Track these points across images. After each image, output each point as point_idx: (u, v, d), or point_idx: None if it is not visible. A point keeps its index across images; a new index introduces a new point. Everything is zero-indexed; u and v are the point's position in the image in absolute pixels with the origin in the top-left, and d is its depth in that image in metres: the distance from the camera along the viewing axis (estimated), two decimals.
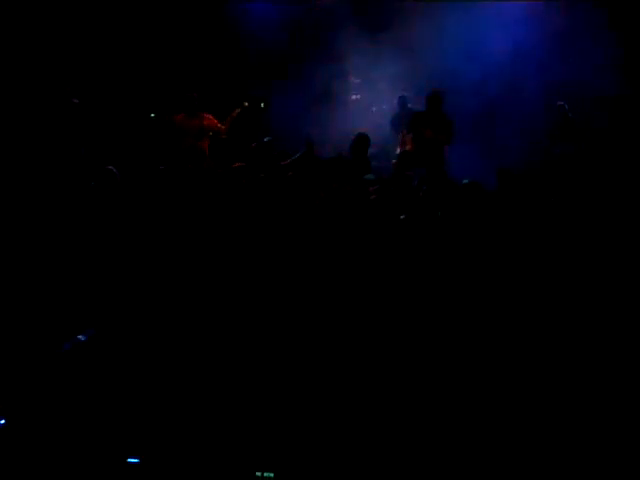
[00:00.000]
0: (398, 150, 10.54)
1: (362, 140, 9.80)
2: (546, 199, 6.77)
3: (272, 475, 5.39)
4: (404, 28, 12.07)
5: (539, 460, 5.38)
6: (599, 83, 11.25)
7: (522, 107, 12.04)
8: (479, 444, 5.46)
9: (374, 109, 12.80)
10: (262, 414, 5.65)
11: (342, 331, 5.92)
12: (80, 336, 6.08)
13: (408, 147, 10.53)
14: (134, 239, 6.58)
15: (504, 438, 5.46)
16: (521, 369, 5.68)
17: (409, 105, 11.61)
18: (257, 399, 5.73)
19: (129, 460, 5.66)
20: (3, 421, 5.63)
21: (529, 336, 5.82)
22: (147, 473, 5.62)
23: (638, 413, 5.46)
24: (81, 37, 12.11)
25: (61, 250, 6.54)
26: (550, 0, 12.15)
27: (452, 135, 10.53)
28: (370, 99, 12.83)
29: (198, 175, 7.44)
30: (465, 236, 6.44)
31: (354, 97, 12.96)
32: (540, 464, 5.37)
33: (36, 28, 11.85)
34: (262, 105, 11.45)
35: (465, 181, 7.75)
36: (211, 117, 10.94)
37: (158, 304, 6.23)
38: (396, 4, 12.19)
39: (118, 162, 7.94)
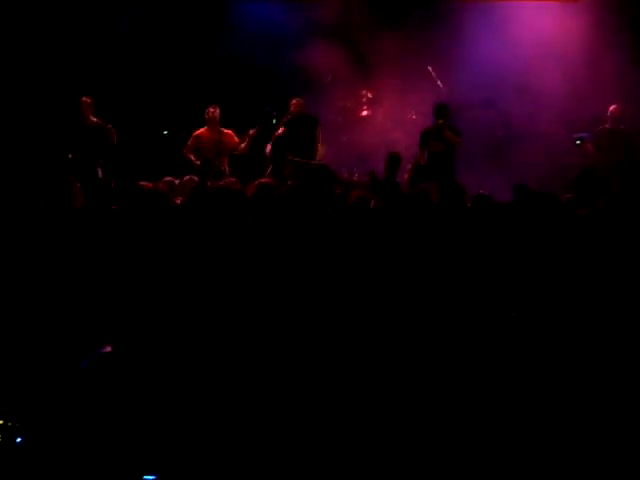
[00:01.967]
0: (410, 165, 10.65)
1: (394, 159, 9.97)
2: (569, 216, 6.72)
3: None
4: (422, 42, 12.10)
5: (539, 460, 5.36)
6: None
7: (542, 124, 12.00)
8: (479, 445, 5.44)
9: (387, 124, 12.82)
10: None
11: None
12: (97, 353, 6.07)
13: (422, 161, 10.65)
14: (151, 256, 6.56)
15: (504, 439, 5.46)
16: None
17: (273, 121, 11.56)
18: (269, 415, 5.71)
19: (146, 478, 5.64)
20: (20, 439, 5.60)
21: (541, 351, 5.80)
22: None
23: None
24: (95, 57, 12.16)
25: (78, 266, 6.54)
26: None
27: (459, 139, 10.66)
28: (382, 114, 12.84)
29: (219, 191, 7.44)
30: (480, 251, 6.43)
31: (365, 113, 12.96)
32: (540, 464, 5.35)
33: (54, 50, 11.91)
34: (274, 122, 11.46)
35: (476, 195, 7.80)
36: (231, 133, 10.97)
37: (173, 320, 6.21)
38: (415, 16, 12.16)
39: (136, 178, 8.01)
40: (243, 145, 11.00)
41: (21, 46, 11.81)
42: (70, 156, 10.32)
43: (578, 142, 11.25)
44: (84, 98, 10.70)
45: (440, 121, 10.73)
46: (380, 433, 5.49)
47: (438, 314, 5.94)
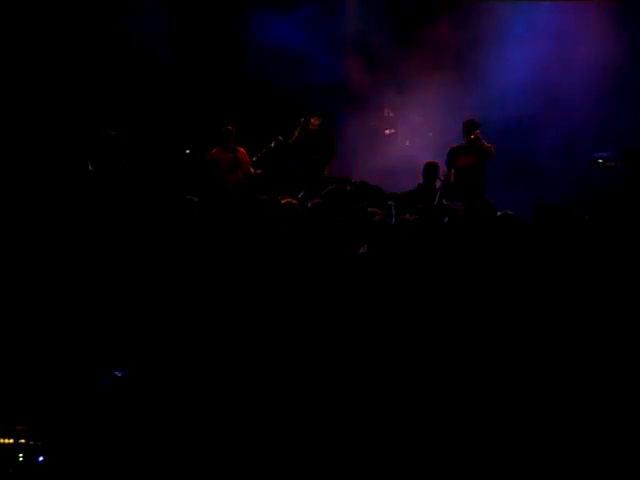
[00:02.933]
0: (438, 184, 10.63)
1: (432, 168, 10.57)
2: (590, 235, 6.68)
3: None
4: (442, 61, 12.09)
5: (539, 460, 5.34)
6: None
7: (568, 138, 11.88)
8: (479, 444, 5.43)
9: (407, 143, 12.84)
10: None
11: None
12: (117, 372, 6.08)
13: (450, 179, 10.66)
14: (176, 272, 6.59)
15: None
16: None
17: None
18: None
19: None
20: (41, 458, 5.61)
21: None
22: None
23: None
24: (117, 74, 12.30)
25: (101, 285, 6.57)
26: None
27: (491, 151, 10.71)
28: (404, 133, 12.86)
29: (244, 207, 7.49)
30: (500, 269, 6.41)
31: (388, 131, 13.00)
32: (540, 464, 5.33)
33: (73, 66, 12.08)
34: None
35: (499, 213, 7.76)
36: (244, 151, 11.09)
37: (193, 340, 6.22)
38: (436, 37, 12.16)
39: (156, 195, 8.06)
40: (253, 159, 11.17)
41: (49, 65, 12.04)
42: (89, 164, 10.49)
43: (600, 161, 11.12)
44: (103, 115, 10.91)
45: (475, 133, 10.71)
46: (380, 433, 5.53)
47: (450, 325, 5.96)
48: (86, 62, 12.16)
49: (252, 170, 11.00)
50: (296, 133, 11.47)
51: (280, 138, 11.19)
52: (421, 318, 5.99)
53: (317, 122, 11.52)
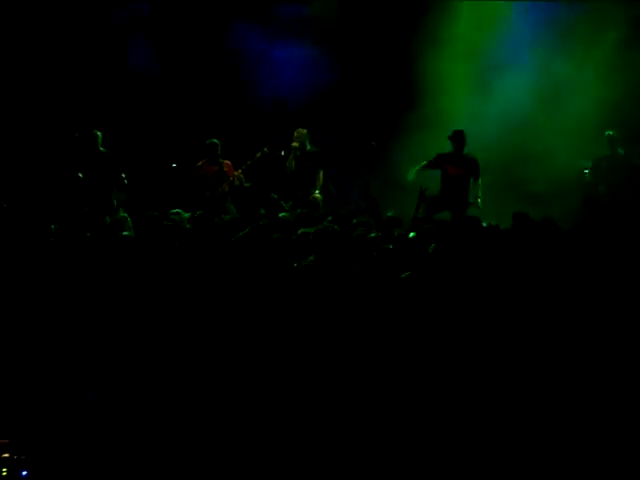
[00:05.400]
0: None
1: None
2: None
3: None
4: (432, 73, 12.15)
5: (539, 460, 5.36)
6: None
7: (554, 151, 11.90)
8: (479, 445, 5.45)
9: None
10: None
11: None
12: (102, 387, 6.10)
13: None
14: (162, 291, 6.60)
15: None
16: None
17: None
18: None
19: None
20: (25, 472, 5.61)
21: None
22: None
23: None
24: (106, 87, 12.36)
25: (89, 302, 6.58)
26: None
27: (477, 169, 10.70)
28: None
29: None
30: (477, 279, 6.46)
31: (373, 143, 13.05)
32: (540, 464, 5.34)
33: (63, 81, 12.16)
34: (282, 153, 11.53)
35: (484, 224, 7.80)
36: (230, 164, 11.16)
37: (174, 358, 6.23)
38: (428, 48, 12.22)
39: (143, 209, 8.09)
40: (239, 172, 11.19)
41: (41, 80, 12.17)
42: (80, 176, 10.57)
43: (586, 171, 11.16)
44: (94, 131, 10.96)
45: (456, 146, 10.76)
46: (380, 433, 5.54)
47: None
48: (72, 77, 12.24)
49: (238, 182, 11.08)
50: (291, 159, 11.39)
51: (266, 150, 11.20)
52: (410, 327, 6.03)
53: (303, 134, 11.44)
